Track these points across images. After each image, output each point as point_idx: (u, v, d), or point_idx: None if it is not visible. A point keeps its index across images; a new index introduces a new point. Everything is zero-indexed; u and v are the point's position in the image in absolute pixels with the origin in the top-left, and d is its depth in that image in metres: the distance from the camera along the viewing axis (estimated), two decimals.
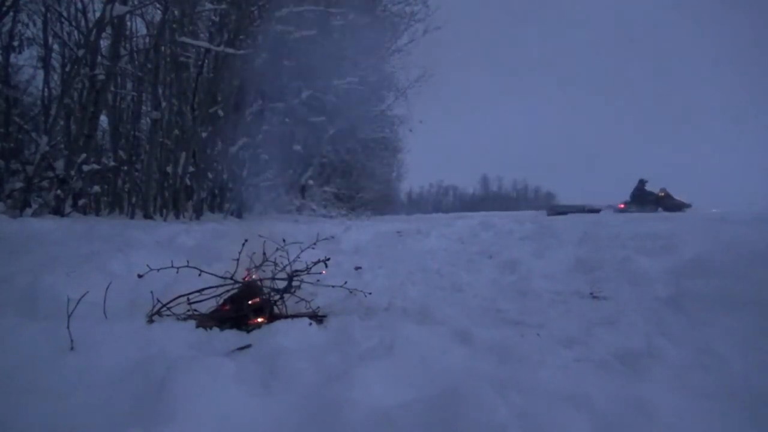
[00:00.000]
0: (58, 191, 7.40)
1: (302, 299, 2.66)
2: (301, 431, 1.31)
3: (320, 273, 2.80)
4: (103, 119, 10.42)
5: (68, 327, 1.73)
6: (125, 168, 10.67)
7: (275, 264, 2.72)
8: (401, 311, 2.70)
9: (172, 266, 2.39)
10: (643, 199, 22.46)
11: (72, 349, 1.68)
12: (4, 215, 6.29)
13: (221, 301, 2.47)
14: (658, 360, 1.84)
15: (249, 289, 2.51)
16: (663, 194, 22.33)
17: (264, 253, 2.74)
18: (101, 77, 8.15)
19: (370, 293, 2.82)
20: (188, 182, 11.01)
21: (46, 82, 10.08)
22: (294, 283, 2.66)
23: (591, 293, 3.22)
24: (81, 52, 7.88)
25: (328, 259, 2.88)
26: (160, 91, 10.30)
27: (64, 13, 10.18)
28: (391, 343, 1.85)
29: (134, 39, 11.64)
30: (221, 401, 1.39)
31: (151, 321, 2.10)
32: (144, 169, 10.38)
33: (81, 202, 8.52)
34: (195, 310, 2.31)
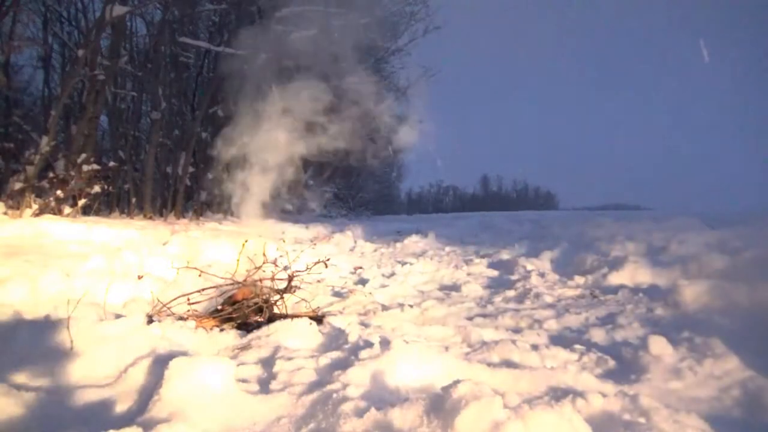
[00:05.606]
0: (58, 191, 7.39)
1: (302, 299, 2.67)
2: (300, 430, 1.31)
3: (320, 273, 2.81)
4: (103, 119, 10.40)
5: (68, 327, 1.73)
6: (125, 168, 10.65)
7: (275, 264, 2.73)
8: (400, 311, 2.71)
9: (172, 266, 2.40)
10: None
11: (72, 349, 1.69)
12: (4, 215, 6.29)
13: (221, 302, 2.48)
14: (658, 360, 1.84)
15: (249, 289, 2.52)
16: None
17: (264, 254, 2.75)
18: (101, 77, 8.14)
19: (370, 293, 2.83)
20: (188, 182, 11.00)
21: (46, 82, 10.07)
22: (294, 283, 2.67)
23: (591, 293, 3.23)
24: (81, 52, 7.87)
25: (328, 260, 2.89)
26: (160, 91, 10.28)
27: (64, 13, 10.16)
28: (389, 342, 1.85)
29: (134, 39, 11.63)
30: (221, 401, 1.39)
31: (151, 321, 2.10)
32: (144, 169, 10.37)
33: (81, 202, 8.51)
34: (195, 310, 2.32)
